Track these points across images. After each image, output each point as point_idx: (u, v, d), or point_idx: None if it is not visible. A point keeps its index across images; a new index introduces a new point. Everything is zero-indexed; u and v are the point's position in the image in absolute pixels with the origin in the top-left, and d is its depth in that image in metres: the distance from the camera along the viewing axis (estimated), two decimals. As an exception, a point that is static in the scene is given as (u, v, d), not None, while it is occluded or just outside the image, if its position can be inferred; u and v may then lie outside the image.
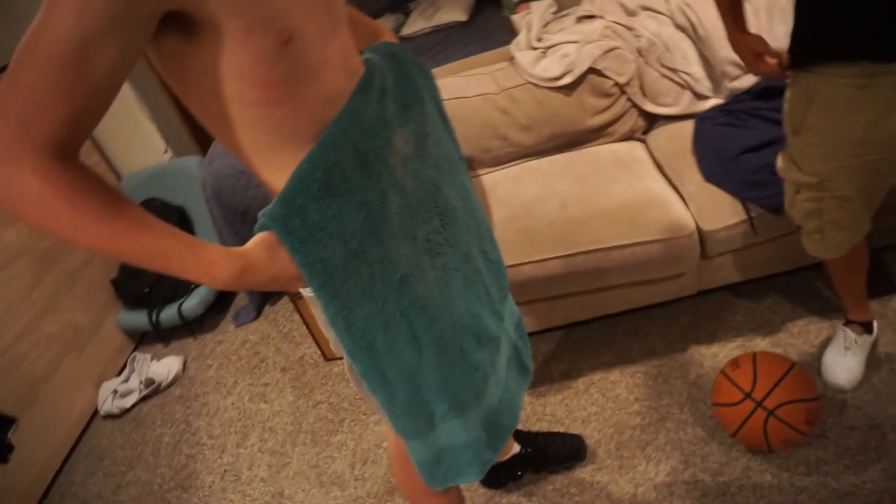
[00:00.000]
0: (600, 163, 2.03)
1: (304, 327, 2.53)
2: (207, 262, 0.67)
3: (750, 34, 1.36)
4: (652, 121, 2.19)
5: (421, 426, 0.99)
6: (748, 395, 1.47)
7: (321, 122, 0.79)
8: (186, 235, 0.68)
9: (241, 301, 2.89)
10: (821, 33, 1.16)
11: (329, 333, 0.94)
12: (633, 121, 2.17)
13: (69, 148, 0.59)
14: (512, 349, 1.21)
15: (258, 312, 2.76)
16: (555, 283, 1.81)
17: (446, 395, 0.98)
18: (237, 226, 2.40)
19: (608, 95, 2.12)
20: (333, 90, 0.81)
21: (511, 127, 2.15)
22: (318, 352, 2.41)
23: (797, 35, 1.24)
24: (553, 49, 2.15)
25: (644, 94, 2.14)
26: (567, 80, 2.09)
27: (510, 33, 2.65)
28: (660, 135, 2.10)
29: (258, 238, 0.73)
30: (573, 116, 2.13)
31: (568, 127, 2.15)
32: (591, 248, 1.74)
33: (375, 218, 0.82)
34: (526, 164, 2.18)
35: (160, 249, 0.64)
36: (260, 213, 0.73)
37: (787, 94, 1.31)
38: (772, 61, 1.32)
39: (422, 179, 0.92)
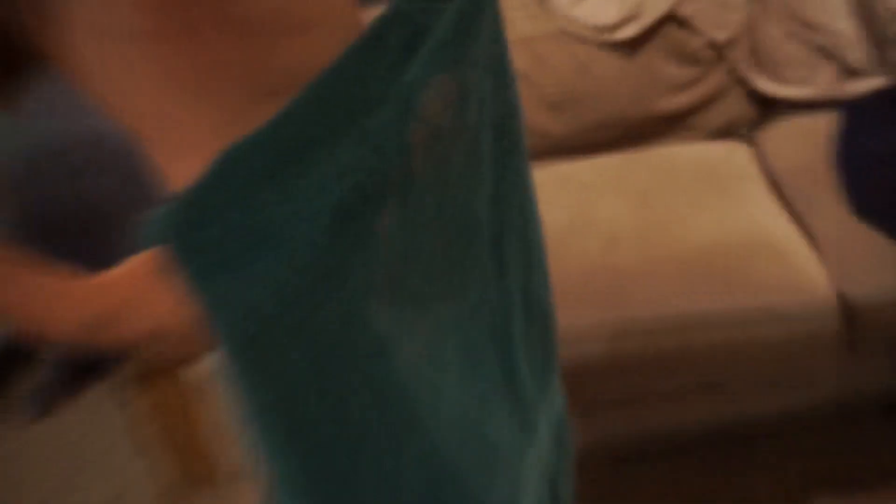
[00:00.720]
0: (677, 175, 1.67)
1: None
2: (51, 293, 0.58)
3: None
4: (767, 108, 1.75)
5: None
6: None
7: (268, 72, 0.53)
8: (27, 256, 0.58)
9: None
10: None
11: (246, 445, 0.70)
12: (735, 107, 1.76)
13: None
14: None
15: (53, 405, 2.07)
16: (589, 376, 1.36)
17: None
18: (39, 238, 1.75)
19: (696, 62, 1.70)
20: (278, 15, 0.54)
21: (532, 102, 1.74)
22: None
23: None
24: (609, -20, 1.78)
25: (757, 63, 1.71)
26: (629, 31, 1.68)
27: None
28: (778, 133, 1.69)
29: (136, 261, 0.60)
30: (635, 93, 1.73)
31: (626, 110, 1.74)
32: (654, 315, 1.36)
33: (347, 238, 0.57)
34: (554, 167, 1.76)
35: None
36: (144, 216, 0.53)
37: None
38: None
39: (443, 173, 0.63)
